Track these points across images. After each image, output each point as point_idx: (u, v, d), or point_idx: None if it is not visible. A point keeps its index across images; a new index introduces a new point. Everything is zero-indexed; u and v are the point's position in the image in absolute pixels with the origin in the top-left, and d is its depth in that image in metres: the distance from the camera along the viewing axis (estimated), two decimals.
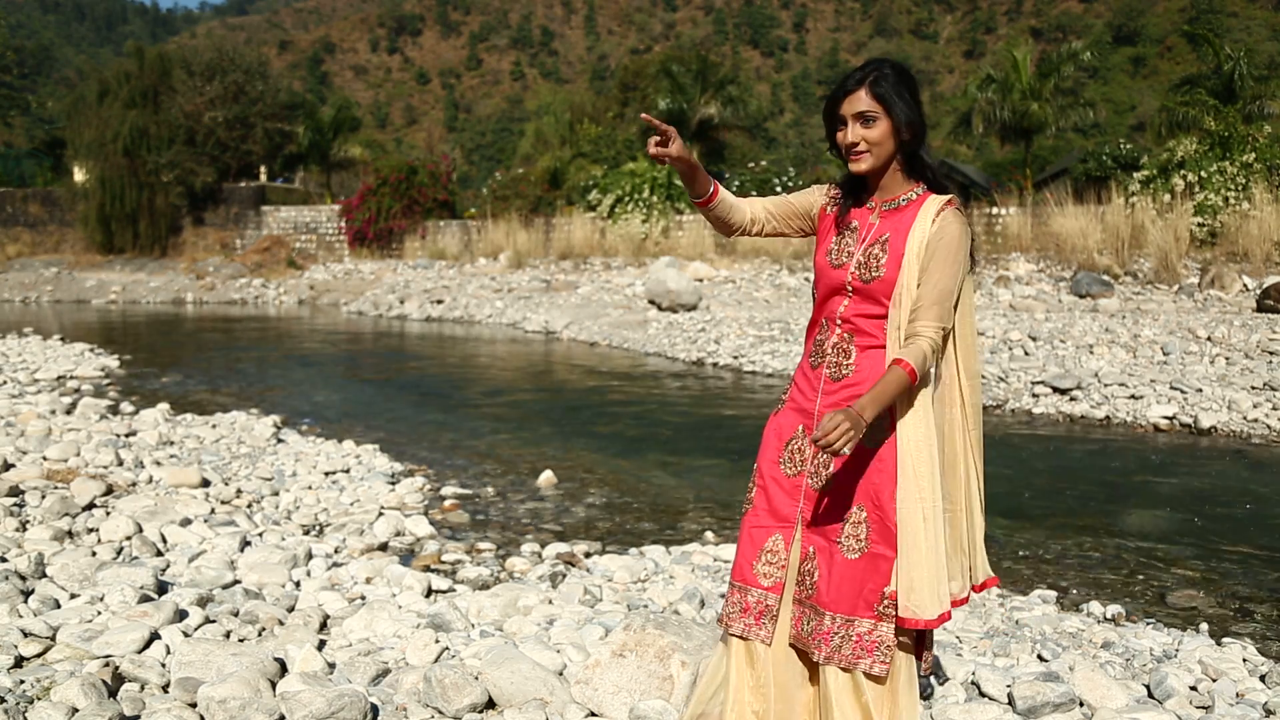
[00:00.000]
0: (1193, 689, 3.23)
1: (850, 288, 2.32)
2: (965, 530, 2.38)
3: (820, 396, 2.35)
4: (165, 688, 2.99)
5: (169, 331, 19.06)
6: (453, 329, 18.96)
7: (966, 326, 2.34)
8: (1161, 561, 4.99)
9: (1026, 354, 10.86)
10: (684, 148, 2.27)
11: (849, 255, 2.33)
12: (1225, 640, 3.82)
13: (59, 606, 3.65)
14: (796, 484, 2.37)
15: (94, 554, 4.35)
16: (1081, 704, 3.06)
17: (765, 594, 2.38)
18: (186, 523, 4.96)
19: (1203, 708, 3.11)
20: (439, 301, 22.13)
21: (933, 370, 2.29)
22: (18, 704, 2.72)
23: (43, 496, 5.18)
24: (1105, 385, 9.13)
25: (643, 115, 2.25)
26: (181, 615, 3.57)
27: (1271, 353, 9.95)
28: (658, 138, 2.24)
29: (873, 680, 2.25)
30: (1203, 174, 17.56)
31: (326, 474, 6.56)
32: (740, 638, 2.41)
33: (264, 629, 3.61)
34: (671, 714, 2.80)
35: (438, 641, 3.36)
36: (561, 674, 3.14)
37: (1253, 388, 8.75)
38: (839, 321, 2.34)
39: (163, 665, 3.11)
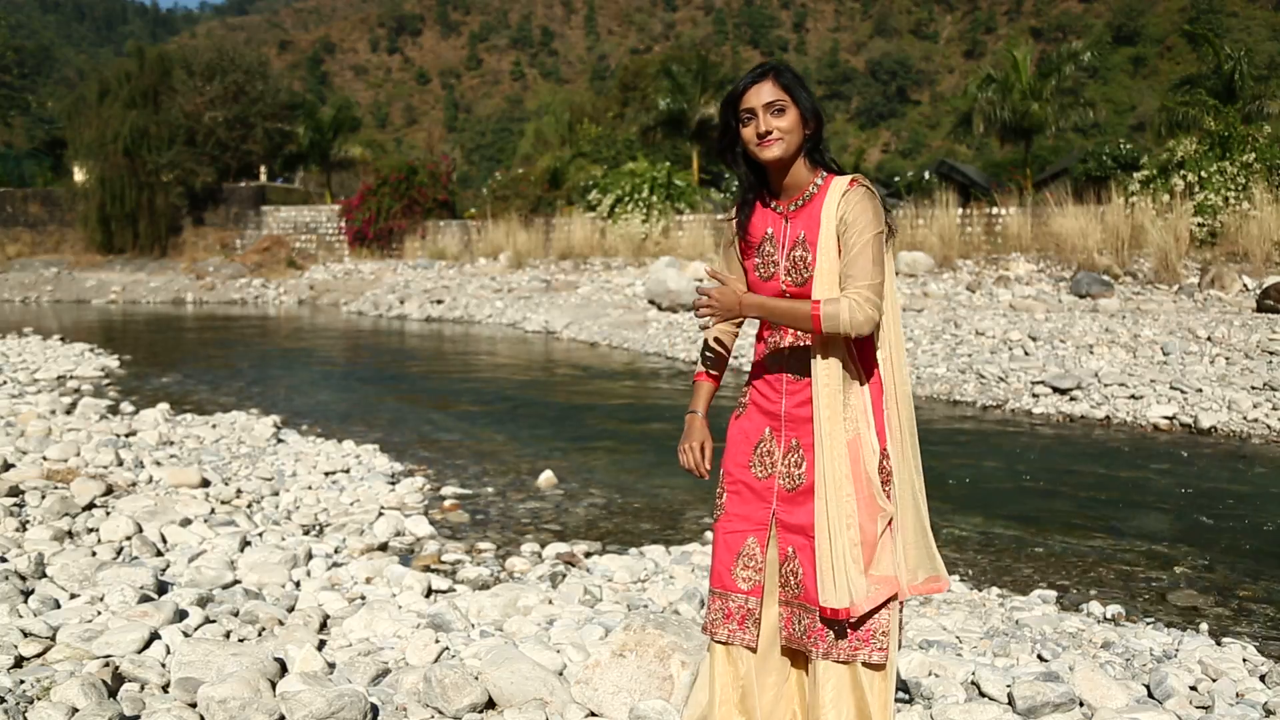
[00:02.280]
0: (1193, 689, 3.23)
1: (787, 294, 2.35)
2: (915, 519, 2.37)
3: (784, 397, 2.37)
4: (165, 688, 2.99)
5: (169, 331, 19.06)
6: (453, 329, 18.97)
7: (889, 304, 2.33)
8: (1161, 561, 4.99)
9: (1026, 354, 10.86)
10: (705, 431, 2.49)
11: (775, 264, 2.37)
12: (1225, 640, 3.82)
13: (59, 606, 3.65)
14: (768, 486, 2.38)
15: (94, 554, 4.35)
16: (1081, 704, 3.06)
17: (745, 598, 2.39)
18: (186, 523, 4.95)
19: (1203, 708, 3.11)
20: (439, 301, 22.13)
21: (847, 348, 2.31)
22: (18, 704, 2.72)
23: (43, 496, 5.17)
24: (1105, 385, 9.13)
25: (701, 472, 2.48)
26: (181, 615, 3.57)
27: (1271, 353, 9.95)
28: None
29: (871, 669, 2.27)
30: (1203, 174, 17.56)
31: (326, 474, 6.55)
32: (725, 644, 2.42)
33: (264, 629, 3.61)
34: (671, 714, 2.80)
35: (438, 641, 3.36)
36: (561, 674, 3.14)
37: (1253, 388, 8.75)
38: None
39: (163, 665, 3.11)
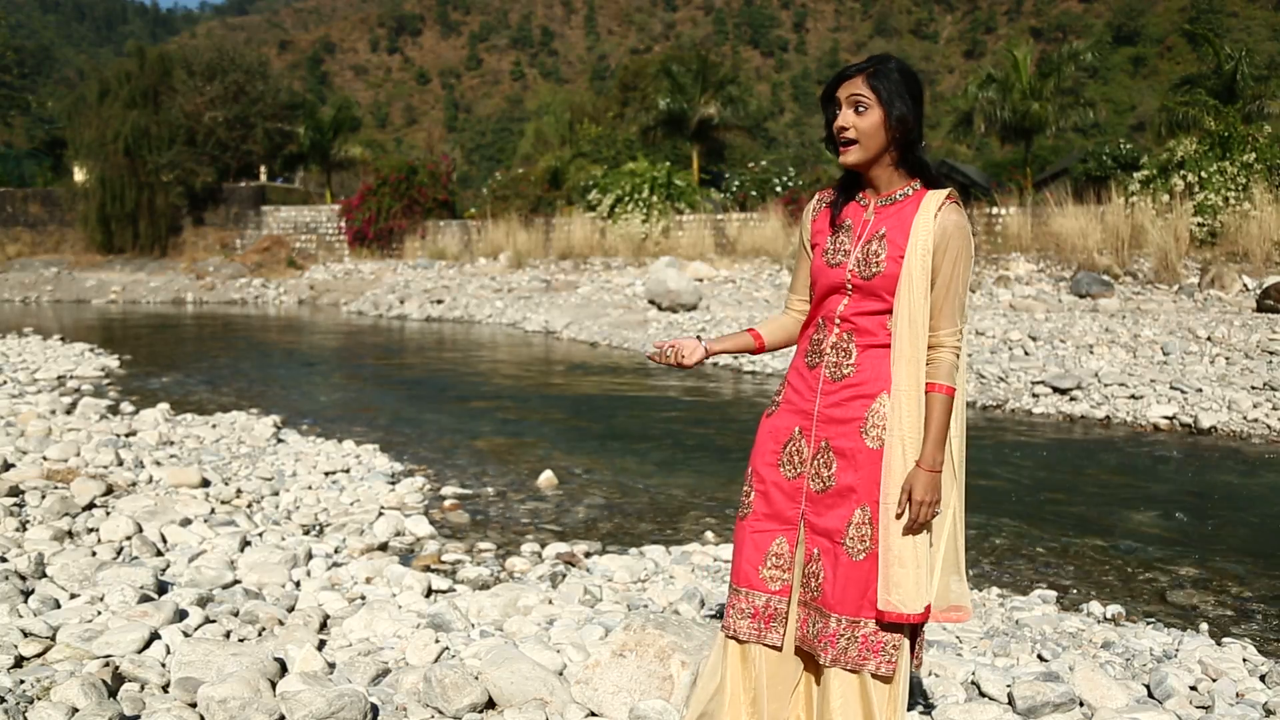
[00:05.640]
0: (1193, 689, 3.23)
1: (850, 285, 2.30)
2: (952, 535, 2.36)
3: (819, 396, 2.33)
4: (165, 688, 2.99)
5: (169, 331, 19.06)
6: (453, 329, 18.96)
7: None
8: (1161, 561, 4.99)
9: (1026, 354, 10.85)
10: (700, 352, 2.42)
11: (845, 253, 2.31)
12: (1225, 640, 3.83)
13: (59, 606, 3.65)
14: (798, 486, 2.34)
15: (94, 554, 4.35)
16: (1081, 704, 3.06)
17: (772, 598, 2.36)
18: (186, 523, 4.95)
19: (1203, 708, 3.11)
20: (439, 301, 22.13)
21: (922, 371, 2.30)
22: (18, 704, 2.72)
23: (43, 496, 5.17)
24: (1105, 385, 9.13)
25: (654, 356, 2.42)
26: (181, 615, 3.56)
27: (1271, 353, 9.95)
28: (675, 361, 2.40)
29: (879, 680, 2.25)
30: (1203, 174, 17.56)
31: (326, 474, 6.55)
32: (745, 643, 2.39)
33: (264, 629, 3.61)
34: (671, 714, 2.80)
35: (438, 641, 3.36)
36: (561, 674, 3.14)
37: (1253, 388, 8.75)
38: (837, 321, 2.32)
39: (163, 665, 3.11)
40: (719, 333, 14.15)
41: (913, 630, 2.34)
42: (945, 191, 2.27)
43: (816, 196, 2.47)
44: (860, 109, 2.23)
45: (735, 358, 12.58)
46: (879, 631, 2.23)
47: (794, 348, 2.48)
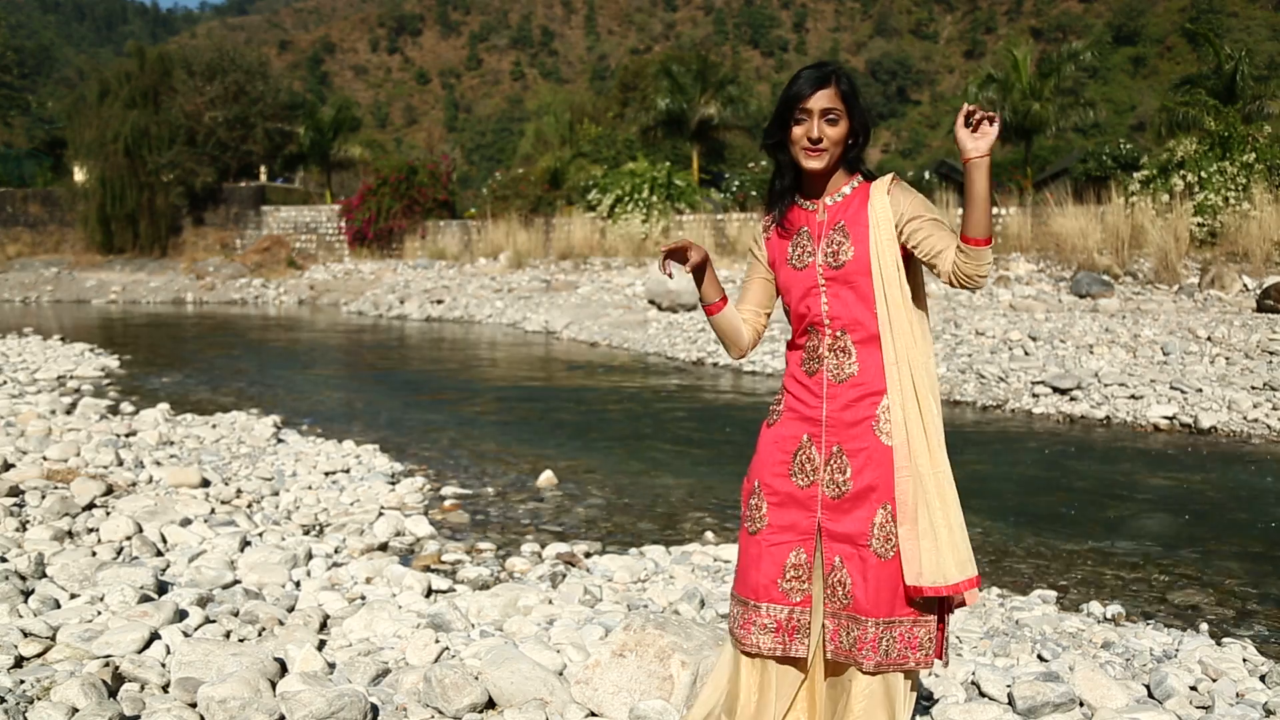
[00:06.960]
0: (1193, 689, 3.23)
1: (823, 280, 2.32)
2: (944, 515, 2.35)
3: (826, 401, 2.31)
4: (165, 688, 2.99)
5: (169, 331, 19.06)
6: (453, 329, 18.97)
7: (921, 314, 2.34)
8: (1161, 561, 4.99)
9: (1026, 354, 10.85)
10: (702, 256, 2.41)
11: (810, 253, 2.34)
12: (1225, 640, 3.82)
13: (59, 606, 3.65)
14: (811, 494, 2.31)
15: (94, 554, 4.35)
16: (1081, 704, 3.06)
17: (795, 609, 2.32)
18: (186, 523, 4.95)
19: (1203, 708, 3.11)
20: (439, 301, 22.13)
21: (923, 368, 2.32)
22: (18, 704, 2.72)
23: (43, 496, 5.17)
24: (1105, 385, 9.13)
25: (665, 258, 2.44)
26: (181, 615, 3.57)
27: (1271, 353, 9.95)
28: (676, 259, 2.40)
29: (906, 679, 2.28)
30: (1203, 174, 17.55)
31: (326, 474, 6.55)
32: (772, 658, 2.34)
33: (264, 629, 3.61)
34: (671, 714, 2.80)
35: (438, 641, 3.36)
36: (561, 674, 3.14)
37: (1253, 388, 8.75)
38: (827, 322, 2.32)
39: (163, 665, 3.11)
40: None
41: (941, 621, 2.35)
42: (889, 175, 2.35)
43: (762, 226, 2.49)
44: (832, 119, 2.28)
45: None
46: (914, 626, 2.25)
47: (787, 358, 2.48)
